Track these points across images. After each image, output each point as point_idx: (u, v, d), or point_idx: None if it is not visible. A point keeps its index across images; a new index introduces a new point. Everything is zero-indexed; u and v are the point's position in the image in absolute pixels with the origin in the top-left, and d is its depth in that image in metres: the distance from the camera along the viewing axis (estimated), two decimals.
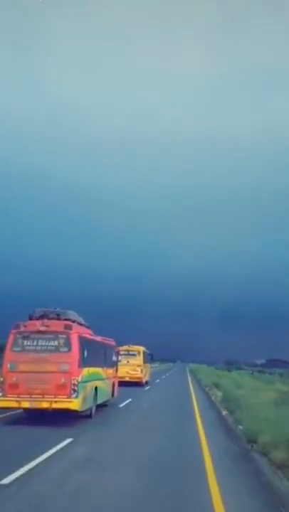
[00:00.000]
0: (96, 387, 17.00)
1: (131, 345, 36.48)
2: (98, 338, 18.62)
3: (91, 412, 16.37)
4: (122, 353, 35.94)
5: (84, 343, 15.42)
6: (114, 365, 22.34)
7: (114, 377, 22.21)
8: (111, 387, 20.98)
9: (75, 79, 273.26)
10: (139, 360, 35.89)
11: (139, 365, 35.76)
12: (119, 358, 35.95)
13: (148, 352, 41.79)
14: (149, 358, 42.69)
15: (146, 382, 39.01)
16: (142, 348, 36.87)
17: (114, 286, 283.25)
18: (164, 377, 54.53)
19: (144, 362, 36.85)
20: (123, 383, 35.35)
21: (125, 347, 36.35)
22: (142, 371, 35.77)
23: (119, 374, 35.85)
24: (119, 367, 36.05)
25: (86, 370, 15.30)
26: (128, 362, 35.65)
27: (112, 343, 22.27)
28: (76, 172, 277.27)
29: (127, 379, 35.41)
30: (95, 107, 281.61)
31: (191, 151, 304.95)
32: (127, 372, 35.46)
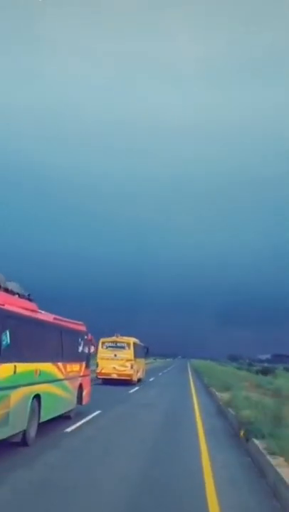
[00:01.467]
0: (38, 396, 10.51)
1: (119, 336, 29.99)
2: (46, 317, 12.02)
3: (24, 437, 9.82)
4: (108, 344, 29.51)
5: (5, 320, 8.86)
6: (83, 358, 15.78)
7: (84, 375, 15.69)
8: (76, 392, 14.49)
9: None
10: (128, 353, 29.42)
11: (128, 360, 29.29)
12: (104, 350, 29.89)
13: (142, 345, 35.30)
14: (143, 352, 36.21)
15: (140, 380, 32.57)
16: (132, 340, 30.38)
17: (113, 278, 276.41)
18: (151, 380, 47.94)
19: (136, 356, 30.37)
20: (110, 382, 29.07)
21: (112, 338, 29.87)
22: (132, 367, 29.30)
23: (105, 370, 29.57)
24: (104, 361, 29.88)
25: (6, 368, 8.76)
26: (115, 356, 29.20)
27: (80, 327, 15.70)
28: (74, 160, 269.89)
29: (114, 376, 28.98)
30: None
31: (191, 140, 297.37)
32: (114, 369, 29.03)
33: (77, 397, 14.70)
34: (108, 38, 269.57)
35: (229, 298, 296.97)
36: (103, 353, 29.33)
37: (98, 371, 29.19)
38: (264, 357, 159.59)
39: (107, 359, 29.26)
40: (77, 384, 14.67)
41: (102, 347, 29.52)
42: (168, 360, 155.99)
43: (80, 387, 15.06)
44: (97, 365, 29.31)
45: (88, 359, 16.58)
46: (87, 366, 16.30)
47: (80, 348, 15.38)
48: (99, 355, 29.38)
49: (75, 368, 14.42)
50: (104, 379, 29.43)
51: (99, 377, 29.19)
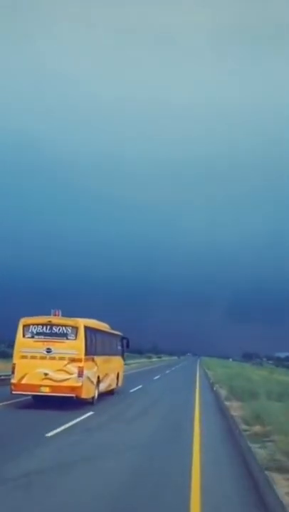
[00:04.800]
0: None
1: (57, 315, 15.97)
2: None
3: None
4: (35, 329, 15.74)
5: None
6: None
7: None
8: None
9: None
10: (76, 346, 15.51)
11: (75, 360, 15.36)
12: (27, 340, 15.91)
13: (111, 333, 21.41)
14: (116, 347, 22.27)
15: (113, 392, 19.70)
16: (82, 322, 16.20)
17: (121, 272, 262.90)
18: (135, 389, 33.48)
19: (92, 351, 16.47)
20: (40, 400, 15.28)
21: (44, 318, 15.96)
22: (81, 373, 15.30)
23: (27, 380, 15.70)
24: (25, 363, 15.63)
25: None
26: (50, 352, 15.30)
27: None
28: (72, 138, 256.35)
29: (43, 391, 15.21)
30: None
31: (200, 119, 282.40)
32: (46, 376, 15.12)
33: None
34: (107, 5, 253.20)
35: (243, 292, 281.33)
36: (25, 346, 15.50)
37: (14, 381, 15.32)
38: (283, 354, 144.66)
39: (33, 357, 15.37)
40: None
41: (24, 334, 15.70)
42: (173, 358, 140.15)
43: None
44: (12, 370, 15.47)
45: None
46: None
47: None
48: (17, 349, 15.61)
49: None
50: (29, 394, 15.66)
51: (14, 392, 15.36)
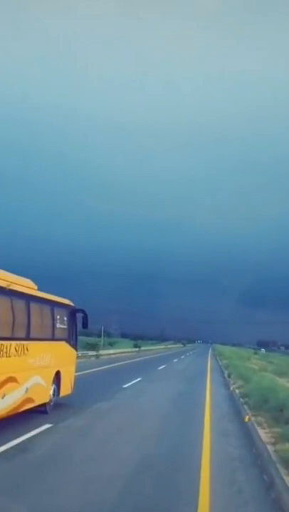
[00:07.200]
0: None
1: None
2: None
3: None
4: None
5: None
6: None
7: None
8: None
9: None
10: None
11: None
12: None
13: (50, 300, 11.78)
14: (61, 325, 12.56)
15: (45, 408, 11.63)
16: None
17: (132, 259, 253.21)
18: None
19: None
20: None
21: None
22: None
23: None
24: None
25: None
26: None
27: None
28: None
29: None
30: None
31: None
32: None
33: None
34: None
35: (258, 278, 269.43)
36: None
37: None
38: None
39: None
40: None
41: None
42: (178, 345, 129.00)
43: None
44: None
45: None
46: None
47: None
48: None
49: None
50: None
51: None
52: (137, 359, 46.09)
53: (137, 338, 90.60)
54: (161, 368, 34.08)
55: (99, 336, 59.59)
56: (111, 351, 51.22)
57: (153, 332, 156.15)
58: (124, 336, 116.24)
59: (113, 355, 47.61)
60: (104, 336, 65.80)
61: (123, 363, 37.19)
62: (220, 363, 49.07)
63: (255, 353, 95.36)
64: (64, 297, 13.28)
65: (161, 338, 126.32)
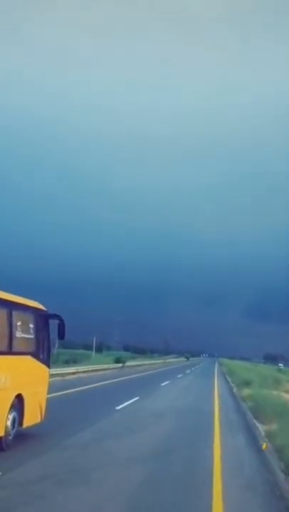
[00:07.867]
0: None
1: None
2: None
3: None
4: None
5: None
6: None
7: None
8: None
9: None
10: None
11: None
12: None
13: (13, 303, 8.82)
14: (29, 335, 9.61)
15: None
16: None
17: (138, 272, 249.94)
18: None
19: None
20: None
21: None
22: None
23: None
24: None
25: None
26: None
27: None
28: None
29: None
30: None
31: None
32: None
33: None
34: None
35: (265, 290, 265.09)
36: None
37: None
38: None
39: None
40: None
41: None
42: (181, 359, 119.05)
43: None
44: None
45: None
46: None
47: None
48: None
49: None
50: None
51: None
52: (108, 381, 30.34)
53: (139, 351, 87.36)
54: (119, 407, 16.56)
55: (87, 348, 55.44)
56: (71, 369, 34.59)
57: (157, 345, 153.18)
58: (126, 348, 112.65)
59: (72, 376, 31.57)
60: (96, 348, 61.12)
61: (72, 390, 21.72)
62: (236, 396, 25.39)
63: (279, 371, 72.89)
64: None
65: (165, 352, 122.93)
